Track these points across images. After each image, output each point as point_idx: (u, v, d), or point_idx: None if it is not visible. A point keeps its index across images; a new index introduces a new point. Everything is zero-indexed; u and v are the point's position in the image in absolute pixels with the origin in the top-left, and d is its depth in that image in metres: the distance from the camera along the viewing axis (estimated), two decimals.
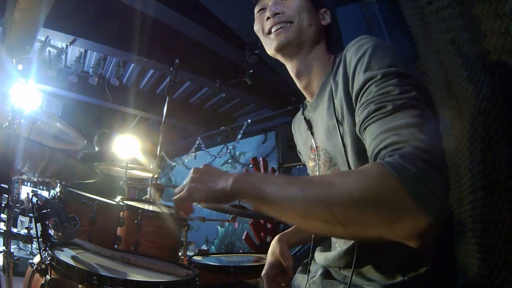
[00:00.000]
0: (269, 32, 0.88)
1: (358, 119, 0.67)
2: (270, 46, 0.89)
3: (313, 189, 0.53)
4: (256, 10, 0.93)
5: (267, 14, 0.87)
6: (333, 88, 0.79)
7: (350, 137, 0.73)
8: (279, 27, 0.86)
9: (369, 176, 0.50)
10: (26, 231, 1.70)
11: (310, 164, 0.94)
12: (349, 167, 0.73)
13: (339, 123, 0.76)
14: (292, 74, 0.92)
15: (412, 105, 0.59)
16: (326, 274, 0.86)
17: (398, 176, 0.48)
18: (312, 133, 0.91)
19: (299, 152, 1.11)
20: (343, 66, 0.76)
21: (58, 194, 1.41)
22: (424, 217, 0.47)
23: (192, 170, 0.65)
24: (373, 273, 0.75)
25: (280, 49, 0.86)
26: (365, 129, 0.64)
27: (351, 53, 0.74)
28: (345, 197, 0.50)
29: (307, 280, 0.88)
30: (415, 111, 0.58)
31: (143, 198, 2.82)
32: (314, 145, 0.90)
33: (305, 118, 0.94)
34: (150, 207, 1.81)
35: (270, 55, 0.92)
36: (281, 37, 0.85)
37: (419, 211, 0.47)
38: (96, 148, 3.26)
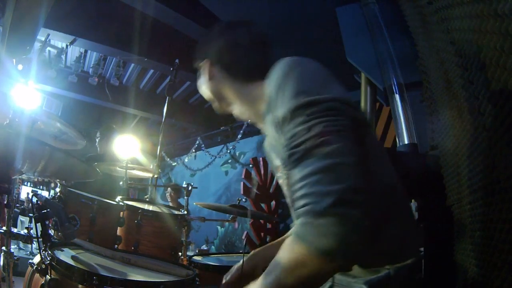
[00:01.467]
0: None
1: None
2: None
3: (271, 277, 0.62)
4: None
5: None
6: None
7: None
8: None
9: (287, 251, 0.61)
10: (26, 231, 1.70)
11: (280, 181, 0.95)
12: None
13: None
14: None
15: (317, 145, 0.59)
16: None
17: (303, 242, 0.57)
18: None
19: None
20: (268, 97, 0.73)
21: (58, 194, 1.41)
22: (332, 256, 0.56)
23: None
24: (357, 269, 0.74)
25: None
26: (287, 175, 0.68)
27: (269, 85, 0.72)
28: (284, 276, 0.60)
29: None
30: (321, 152, 0.58)
31: (145, 197, 2.81)
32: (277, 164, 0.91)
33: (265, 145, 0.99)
34: (150, 207, 1.81)
35: None
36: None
37: (328, 255, 0.56)
38: (100, 150, 3.10)
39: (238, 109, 0.91)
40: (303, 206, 0.57)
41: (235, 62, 0.89)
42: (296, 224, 0.60)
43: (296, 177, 0.60)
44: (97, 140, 3.10)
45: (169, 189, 4.66)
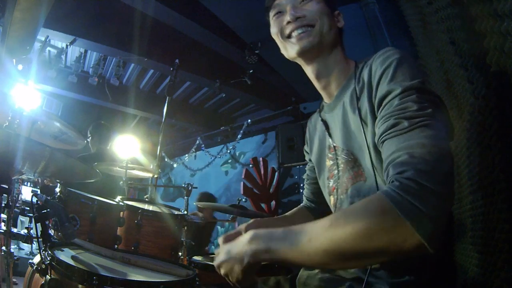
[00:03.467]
0: (289, 36, 0.90)
1: (377, 130, 0.71)
2: (290, 50, 0.90)
3: (321, 240, 0.58)
4: (272, 13, 0.95)
5: (288, 18, 0.88)
6: (357, 93, 0.83)
7: (372, 141, 0.77)
8: (301, 31, 0.87)
9: (372, 213, 0.56)
10: (26, 231, 1.70)
11: (328, 163, 0.97)
12: (374, 169, 0.77)
13: (364, 126, 0.80)
14: (311, 76, 0.95)
15: (426, 124, 0.63)
16: (333, 270, 0.86)
17: (396, 208, 0.54)
18: (329, 134, 0.95)
19: (307, 151, 1.13)
20: (368, 75, 0.80)
21: (58, 194, 1.41)
22: (419, 237, 0.52)
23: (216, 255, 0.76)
24: (380, 271, 0.75)
25: (302, 53, 0.88)
26: (382, 142, 0.68)
27: (377, 63, 0.78)
28: (350, 237, 0.55)
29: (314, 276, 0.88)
30: (428, 131, 0.62)
31: (145, 197, 2.79)
32: (332, 145, 0.93)
33: (322, 119, 0.98)
34: (150, 207, 1.81)
35: (289, 58, 0.94)
36: (304, 42, 0.87)
37: (415, 233, 0.52)
38: (92, 149, 3.05)
39: (329, 64, 0.91)
40: (404, 171, 0.57)
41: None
42: (387, 188, 0.57)
43: (401, 145, 0.62)
44: (88, 140, 3.04)
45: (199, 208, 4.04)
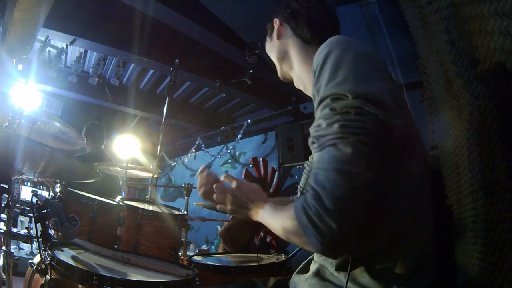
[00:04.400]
0: None
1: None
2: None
3: (274, 222, 0.76)
4: None
5: None
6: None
7: None
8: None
9: (286, 219, 0.69)
10: (26, 231, 1.70)
11: None
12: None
13: None
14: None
15: (332, 144, 0.62)
16: (323, 274, 0.84)
17: (297, 221, 0.64)
18: None
19: None
20: (312, 71, 0.75)
21: (58, 194, 1.41)
22: (315, 246, 0.62)
23: (237, 185, 0.87)
24: (365, 277, 0.71)
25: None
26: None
27: (315, 55, 0.74)
28: (279, 230, 0.73)
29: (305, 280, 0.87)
30: (333, 152, 0.62)
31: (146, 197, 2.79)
32: None
33: None
34: (150, 207, 1.81)
35: None
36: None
37: (311, 242, 0.62)
38: (88, 149, 3.07)
39: (297, 75, 0.97)
40: (312, 189, 0.62)
41: (303, 18, 0.94)
42: (300, 199, 0.65)
43: (313, 164, 0.66)
44: (84, 140, 3.05)
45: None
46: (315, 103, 0.71)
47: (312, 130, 0.69)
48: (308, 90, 0.93)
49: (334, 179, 0.59)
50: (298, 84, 0.99)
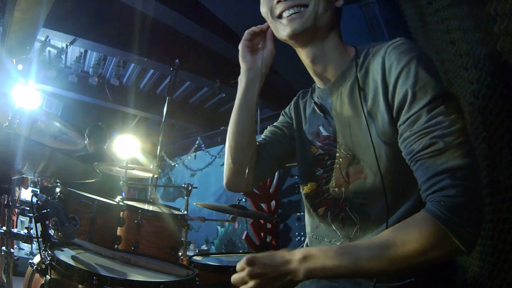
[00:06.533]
0: (280, 16, 0.80)
1: (407, 145, 0.69)
2: (281, 32, 0.81)
3: (381, 260, 0.62)
4: None
5: None
6: (359, 83, 0.77)
7: (384, 141, 0.74)
8: (292, 12, 0.77)
9: (426, 234, 0.61)
10: (26, 231, 1.70)
11: (313, 151, 0.90)
12: (380, 171, 0.73)
13: (368, 123, 0.75)
14: (306, 60, 0.86)
15: (460, 142, 0.63)
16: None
17: (449, 230, 0.60)
18: (327, 123, 0.87)
19: (288, 116, 1.04)
20: (381, 69, 0.73)
21: (58, 194, 1.41)
22: (464, 250, 0.61)
23: (247, 261, 0.65)
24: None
25: (294, 36, 0.79)
26: (417, 161, 0.67)
27: (392, 58, 0.72)
28: (408, 256, 0.61)
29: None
30: (463, 150, 0.63)
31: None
32: (325, 134, 0.87)
33: (315, 103, 0.90)
34: (150, 207, 1.81)
35: (280, 39, 0.85)
36: (295, 24, 0.77)
37: (461, 247, 0.60)
38: (90, 149, 3.09)
39: (327, 48, 0.83)
40: (447, 195, 0.61)
41: None
42: (435, 210, 0.61)
43: (440, 167, 0.63)
44: (86, 141, 3.07)
45: None
46: (400, 100, 0.70)
47: (427, 130, 0.65)
48: (329, 70, 0.85)
49: (471, 173, 0.63)
50: (316, 56, 0.84)
